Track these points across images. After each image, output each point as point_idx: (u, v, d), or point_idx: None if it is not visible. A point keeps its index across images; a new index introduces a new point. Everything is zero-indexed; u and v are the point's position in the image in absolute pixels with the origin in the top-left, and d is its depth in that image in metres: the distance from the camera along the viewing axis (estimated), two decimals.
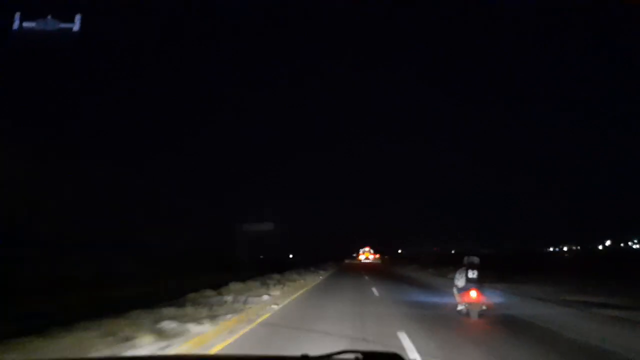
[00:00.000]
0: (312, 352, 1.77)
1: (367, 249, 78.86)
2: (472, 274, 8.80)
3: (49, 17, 6.08)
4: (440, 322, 8.48)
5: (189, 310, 8.60)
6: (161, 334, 6.09)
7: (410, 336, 6.64)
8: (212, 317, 7.90)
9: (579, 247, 79.16)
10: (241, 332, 7.05)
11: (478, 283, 8.74)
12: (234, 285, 14.13)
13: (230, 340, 6.43)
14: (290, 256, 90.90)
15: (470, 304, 8.66)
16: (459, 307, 9.09)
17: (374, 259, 79.36)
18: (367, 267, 44.32)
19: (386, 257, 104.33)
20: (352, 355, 1.70)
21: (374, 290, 15.88)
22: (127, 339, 5.56)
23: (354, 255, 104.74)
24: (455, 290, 9.42)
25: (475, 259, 9.16)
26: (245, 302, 10.64)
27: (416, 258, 56.30)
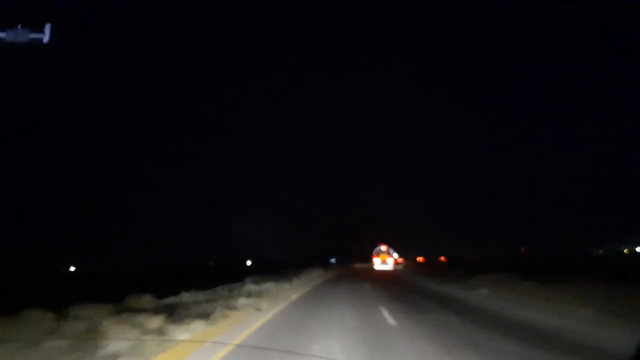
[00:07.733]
0: None
1: (382, 247, 54.42)
2: None
3: (19, 26, 6.06)
4: None
5: None
6: None
7: None
8: None
9: None
10: None
11: None
12: None
13: None
14: (249, 263, 73.87)
15: None
16: None
17: (396, 264, 54.99)
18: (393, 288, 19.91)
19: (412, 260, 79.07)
20: None
21: None
22: None
23: (330, 262, 76.16)
24: None
25: None
26: None
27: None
